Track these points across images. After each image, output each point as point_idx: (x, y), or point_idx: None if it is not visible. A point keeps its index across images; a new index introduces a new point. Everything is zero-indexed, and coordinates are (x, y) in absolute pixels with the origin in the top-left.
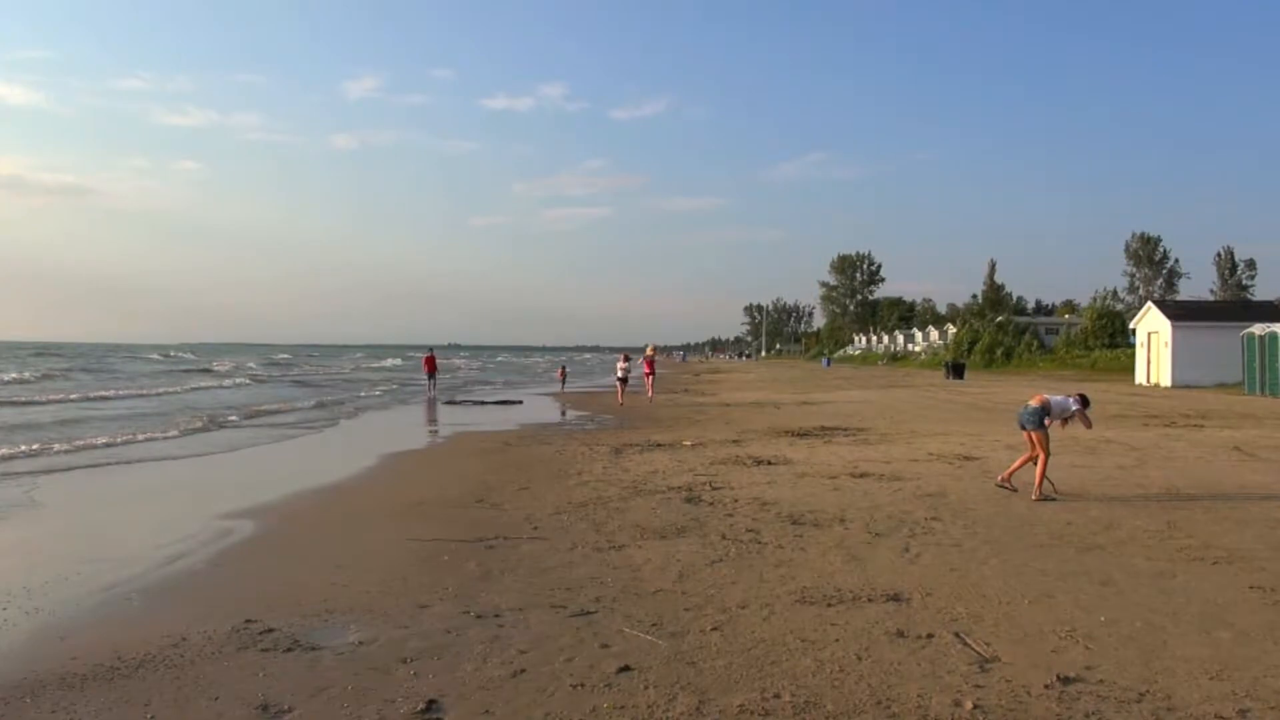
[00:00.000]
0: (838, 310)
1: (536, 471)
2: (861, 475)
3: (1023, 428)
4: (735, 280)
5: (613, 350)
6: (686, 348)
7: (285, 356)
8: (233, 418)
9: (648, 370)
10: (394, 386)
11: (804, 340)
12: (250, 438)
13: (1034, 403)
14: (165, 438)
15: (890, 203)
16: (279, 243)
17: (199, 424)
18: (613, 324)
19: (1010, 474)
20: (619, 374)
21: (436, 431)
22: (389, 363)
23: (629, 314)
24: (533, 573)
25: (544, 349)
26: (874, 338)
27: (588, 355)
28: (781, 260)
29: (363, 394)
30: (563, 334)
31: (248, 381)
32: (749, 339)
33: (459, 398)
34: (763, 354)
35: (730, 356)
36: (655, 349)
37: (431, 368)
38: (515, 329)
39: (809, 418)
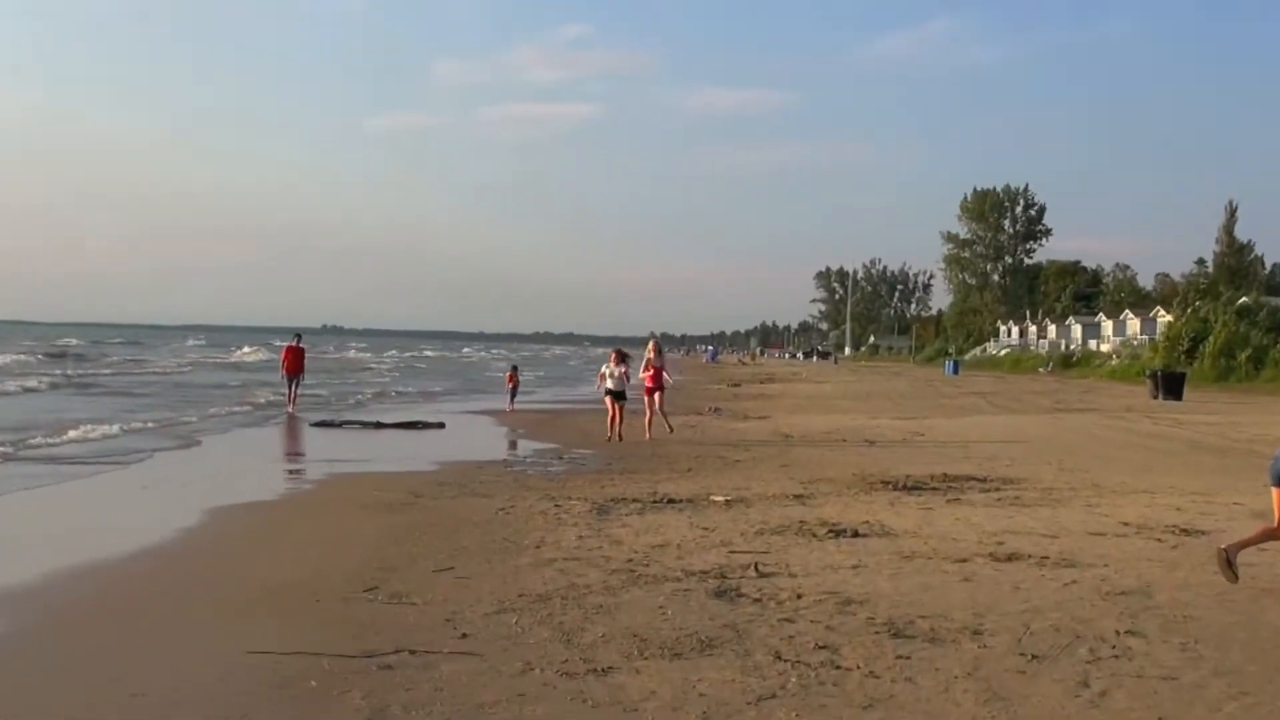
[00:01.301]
0: (972, 281)
1: (466, 541)
2: (1009, 557)
3: (1277, 483)
4: (800, 231)
5: (598, 344)
6: (718, 341)
7: (74, 344)
8: None
9: (649, 380)
10: (249, 397)
11: (915, 330)
12: (3, 479)
13: None
14: None
15: (1058, 104)
16: (51, 152)
17: None
18: (599, 302)
19: (1240, 548)
20: (609, 384)
21: (303, 473)
22: (242, 354)
23: (626, 287)
24: (458, 714)
25: (488, 339)
26: (1032, 327)
27: (558, 350)
28: (877, 198)
29: (199, 410)
30: (520, 316)
31: (15, 389)
32: (822, 326)
33: (341, 417)
34: (847, 351)
35: (791, 355)
36: (658, 344)
37: (294, 366)
38: (441, 307)
39: (922, 459)
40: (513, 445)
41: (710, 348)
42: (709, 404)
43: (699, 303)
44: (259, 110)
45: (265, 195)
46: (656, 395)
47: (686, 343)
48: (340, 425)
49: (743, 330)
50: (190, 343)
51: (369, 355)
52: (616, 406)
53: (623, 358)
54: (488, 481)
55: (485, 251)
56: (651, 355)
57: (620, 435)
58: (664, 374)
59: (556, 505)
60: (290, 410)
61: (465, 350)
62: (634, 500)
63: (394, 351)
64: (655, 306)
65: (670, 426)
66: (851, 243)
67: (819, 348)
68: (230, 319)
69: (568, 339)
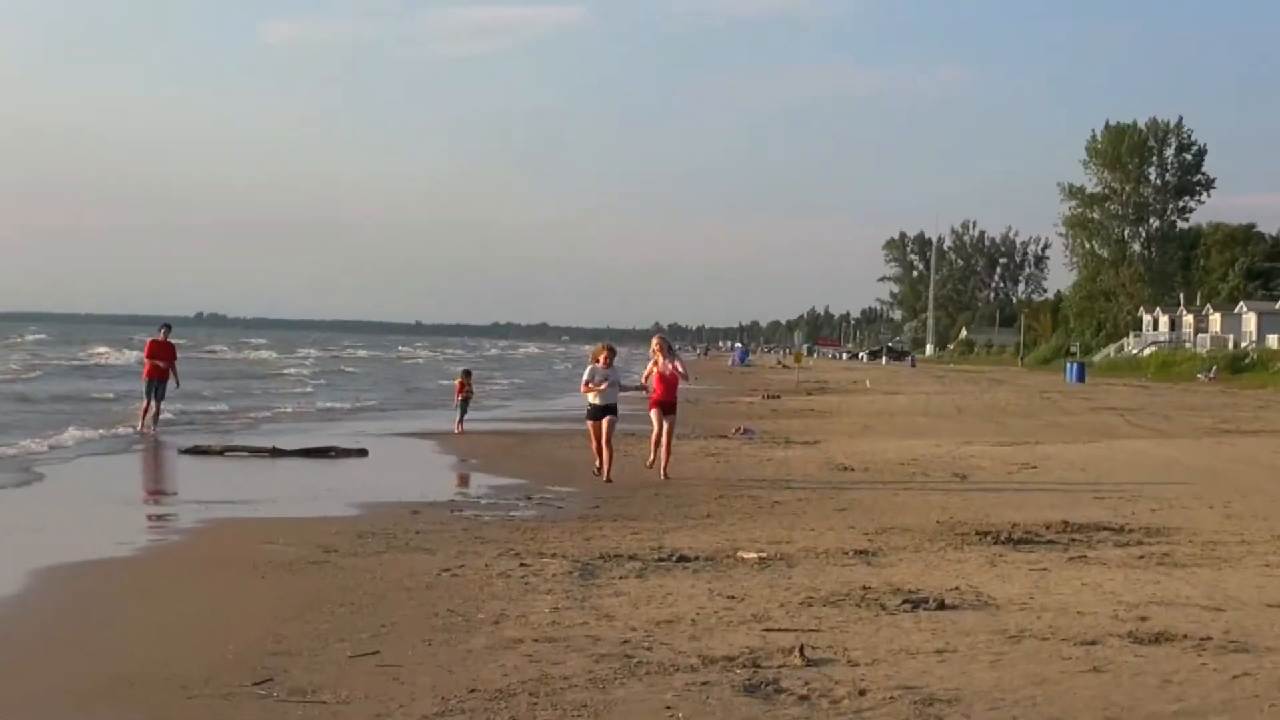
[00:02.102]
0: (1103, 253)
1: (397, 614)
2: (1155, 639)
3: None
4: (862, 183)
5: (581, 338)
6: (749, 336)
7: None
8: None
9: (657, 389)
10: (115, 414)
11: (1024, 321)
12: None
13: None
14: None
15: (1224, 12)
16: None
17: None
18: (583, 284)
19: None
20: (595, 397)
21: (171, 518)
22: (99, 354)
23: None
24: None
25: (429, 332)
26: (1187, 317)
27: (533, 349)
28: (969, 138)
29: (42, 429)
30: (476, 303)
31: None
32: (894, 315)
33: (224, 441)
34: (929, 350)
35: (850, 355)
36: (665, 340)
37: (160, 370)
38: (364, 291)
39: (1034, 501)
40: (463, 480)
41: (738, 346)
42: (736, 423)
43: (721, 284)
44: (103, 20)
45: (122, 143)
46: (668, 420)
47: (705, 338)
48: (221, 452)
49: (783, 321)
50: (31, 337)
51: (276, 355)
52: (605, 426)
53: (613, 356)
54: (428, 531)
55: (429, 211)
56: (659, 356)
57: (608, 474)
58: (682, 374)
59: (524, 564)
60: (143, 429)
61: (402, 349)
62: (631, 558)
63: (311, 351)
64: (660, 288)
65: (666, 472)
66: (935, 199)
67: (890, 345)
68: (78, 306)
69: (540, 332)
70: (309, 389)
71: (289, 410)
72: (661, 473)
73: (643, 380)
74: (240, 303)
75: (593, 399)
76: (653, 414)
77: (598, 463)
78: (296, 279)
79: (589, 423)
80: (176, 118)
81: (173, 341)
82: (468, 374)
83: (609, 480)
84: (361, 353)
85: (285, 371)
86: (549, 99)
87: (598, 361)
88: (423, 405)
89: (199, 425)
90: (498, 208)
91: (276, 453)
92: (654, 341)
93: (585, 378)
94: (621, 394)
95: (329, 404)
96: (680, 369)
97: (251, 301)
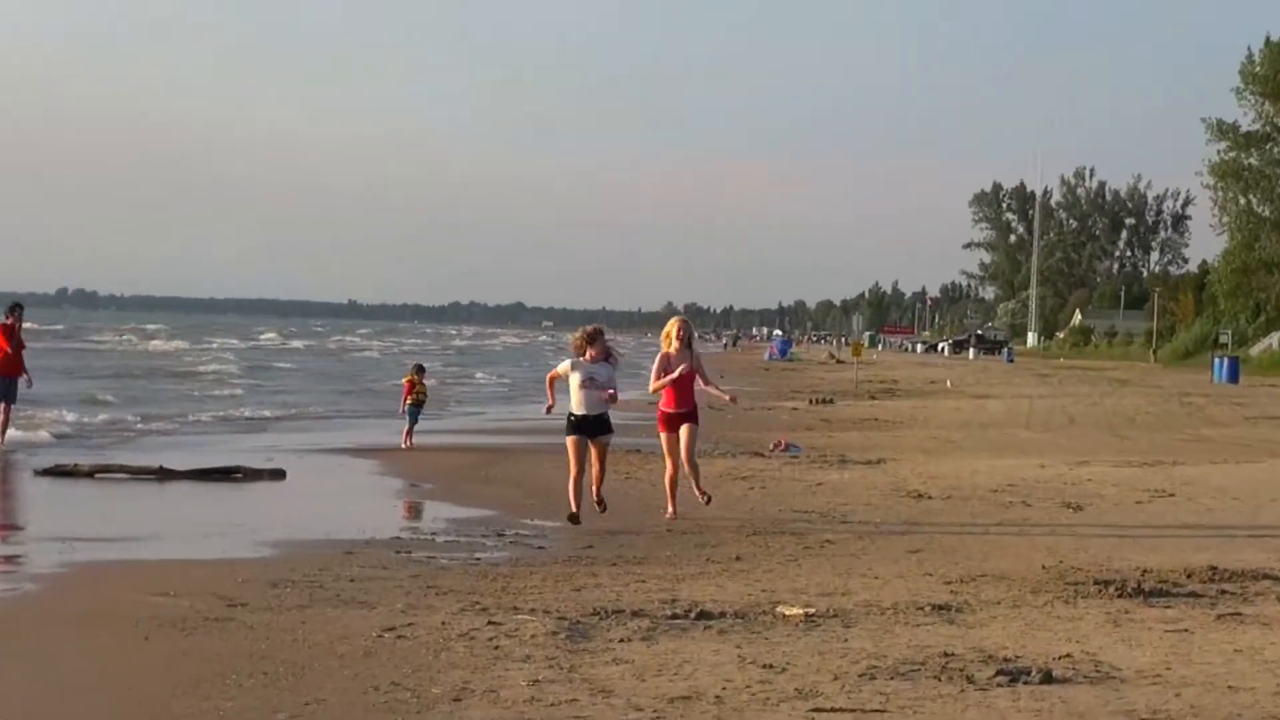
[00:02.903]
0: (1264, 211)
1: (324, 688)
2: None
3: None
4: (936, 114)
5: (568, 320)
6: (791, 320)
7: None
8: None
9: (670, 399)
10: None
11: (1157, 301)
12: None
13: None
14: None
15: None
16: None
17: None
18: (570, 249)
19: None
20: (574, 403)
21: (22, 560)
22: None
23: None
24: None
25: (368, 315)
26: None
27: (509, 338)
28: (1084, 62)
29: None
30: (430, 280)
31: None
32: (985, 293)
33: (102, 462)
34: (1031, 339)
35: (926, 346)
36: (687, 326)
37: (12, 364)
38: (277, 261)
39: (1172, 541)
40: (412, 511)
41: (778, 334)
42: (775, 437)
43: (755, 252)
44: None
45: None
46: (686, 428)
47: (734, 323)
48: (91, 474)
49: (838, 302)
50: None
51: (186, 345)
52: (592, 450)
53: (596, 342)
54: (366, 579)
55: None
56: (675, 344)
57: (600, 500)
58: (704, 379)
59: (493, 623)
60: None
61: (346, 339)
62: (636, 614)
63: (230, 340)
64: (673, 257)
65: (702, 490)
66: (1040, 139)
67: (980, 332)
68: None
69: (514, 315)
70: (236, 390)
71: (205, 419)
72: (669, 508)
73: (652, 380)
74: (116, 278)
75: (573, 407)
76: (662, 439)
77: (574, 506)
78: (191, 248)
79: (569, 440)
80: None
81: (19, 324)
82: (419, 370)
83: (601, 506)
84: (295, 344)
85: (203, 369)
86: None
87: (582, 352)
88: (374, 412)
89: (98, 439)
90: (451, 156)
91: (164, 474)
92: (671, 325)
93: (558, 368)
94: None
95: (266, 411)
96: (705, 379)
97: (131, 277)
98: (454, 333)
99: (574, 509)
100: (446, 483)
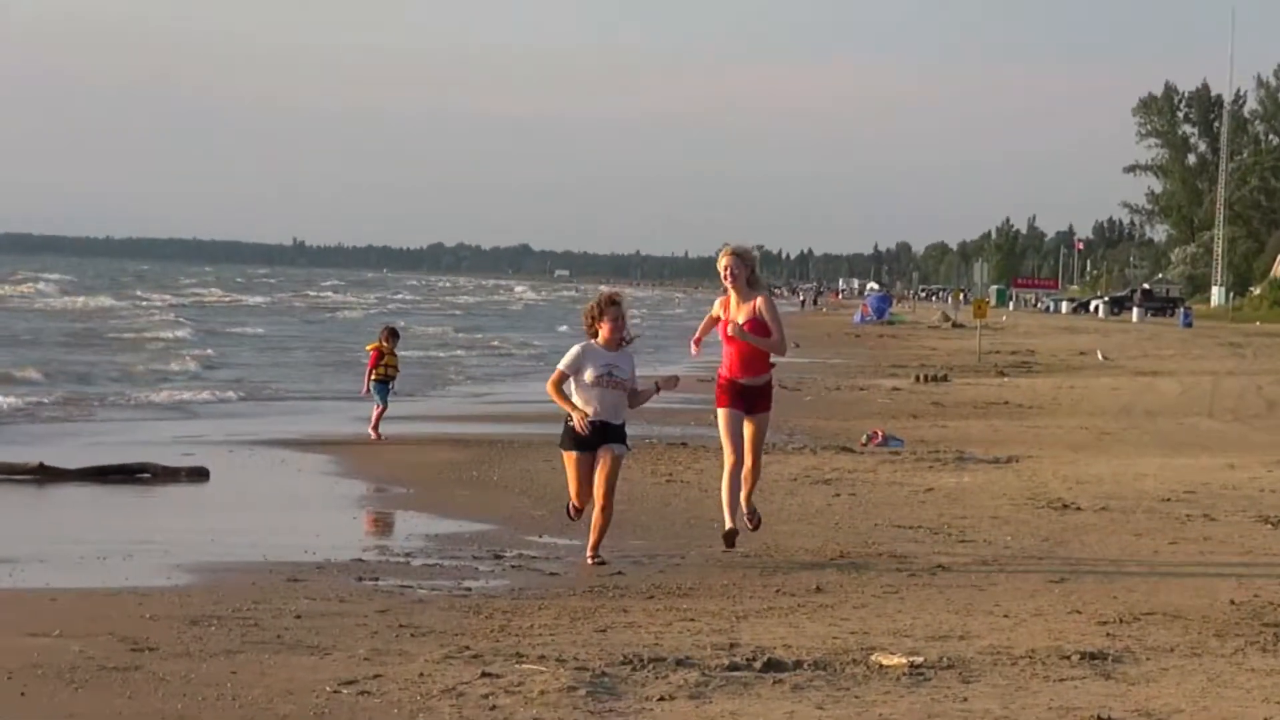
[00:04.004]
0: None
1: None
2: None
3: None
4: None
5: (584, 271)
6: (890, 270)
7: None
8: None
9: (736, 362)
10: None
11: None
12: None
13: None
14: None
15: None
16: None
17: None
18: (590, 177)
19: None
20: (583, 399)
21: None
22: None
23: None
24: None
25: (317, 257)
26: None
27: (526, 293)
28: None
29: None
30: (399, 215)
31: None
32: (1152, 234)
33: None
34: (1215, 295)
35: (1073, 305)
36: (743, 260)
37: None
38: (212, 185)
39: None
40: (380, 525)
41: (874, 289)
42: (869, 427)
43: (841, 181)
44: None
45: None
46: (754, 420)
47: (815, 274)
48: None
49: (953, 245)
50: None
51: (113, 303)
52: (599, 465)
53: (620, 325)
54: (317, 615)
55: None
56: (733, 291)
57: (593, 546)
58: (776, 341)
59: (489, 675)
60: None
61: (315, 294)
62: (682, 663)
63: (166, 298)
64: (730, 190)
65: (751, 506)
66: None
67: (1146, 286)
68: None
69: (517, 259)
70: (189, 365)
71: (160, 399)
72: (726, 519)
73: (694, 340)
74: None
75: (585, 405)
76: (721, 417)
77: (575, 503)
78: (77, 176)
79: (568, 456)
80: None
81: None
82: (392, 335)
83: (594, 559)
84: (251, 300)
85: (150, 336)
86: None
87: (593, 333)
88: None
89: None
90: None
91: (46, 474)
92: (722, 260)
93: (563, 365)
94: (636, 404)
95: (232, 393)
96: (765, 316)
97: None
98: (446, 284)
99: (573, 507)
100: (427, 486)
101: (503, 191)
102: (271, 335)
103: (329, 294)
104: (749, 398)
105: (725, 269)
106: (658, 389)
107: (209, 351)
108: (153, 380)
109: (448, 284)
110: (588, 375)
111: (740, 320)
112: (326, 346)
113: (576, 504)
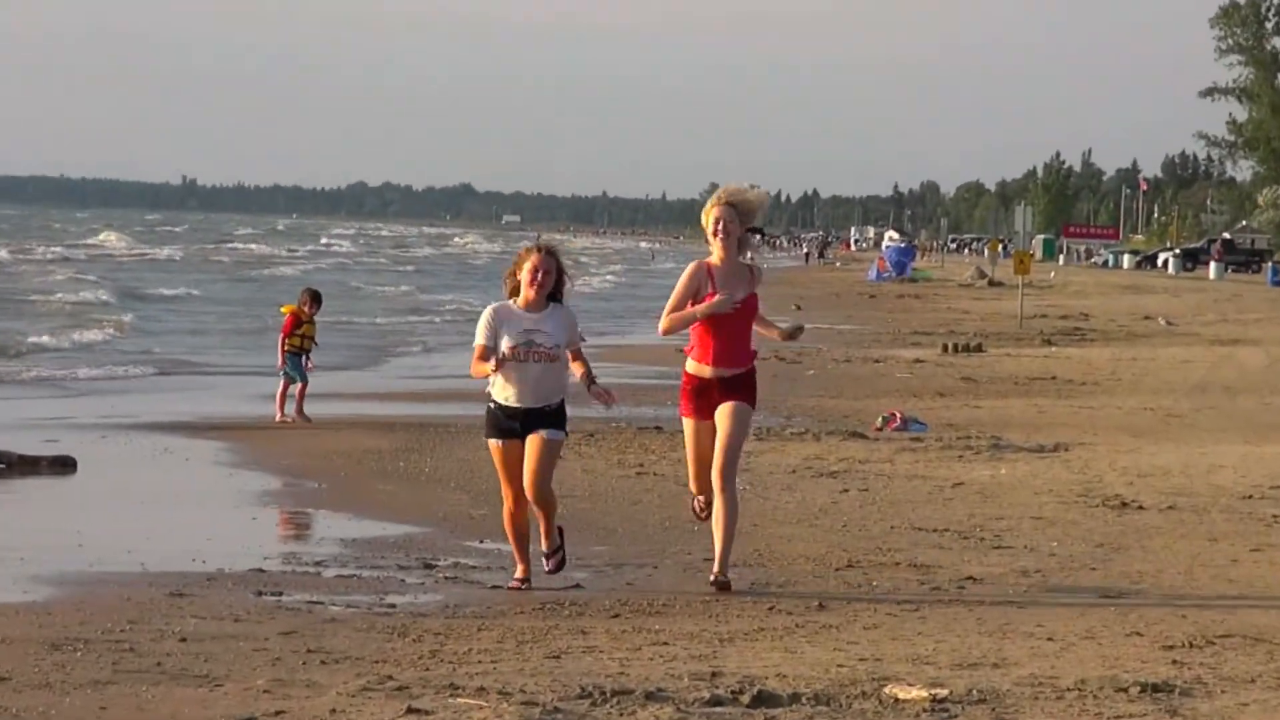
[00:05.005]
0: None
1: None
2: None
3: None
4: None
5: (536, 215)
6: (913, 217)
7: None
8: None
9: (702, 347)
10: None
11: None
12: None
13: None
14: None
15: None
16: None
17: None
18: (549, 104)
19: None
20: (502, 385)
21: None
22: None
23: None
24: None
25: (212, 198)
26: None
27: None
28: None
29: None
30: (306, 148)
31: None
32: (1234, 170)
33: None
34: None
35: (1138, 257)
36: (728, 207)
37: None
38: (80, 114)
39: None
40: (285, 526)
41: (893, 238)
42: (885, 407)
43: (850, 110)
44: None
45: None
46: (730, 409)
47: (821, 219)
48: None
49: (990, 185)
50: None
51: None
52: (528, 452)
53: (554, 278)
54: (206, 637)
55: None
56: (723, 252)
57: (554, 550)
58: (762, 320)
59: (415, 711)
60: None
61: (230, 245)
62: (652, 696)
63: (56, 249)
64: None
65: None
66: None
67: (1226, 236)
68: None
69: (456, 202)
70: (109, 331)
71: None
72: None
73: (666, 312)
74: None
75: (497, 390)
76: (688, 431)
77: (521, 566)
78: None
79: (493, 445)
80: None
81: None
82: (314, 298)
83: (551, 557)
84: (165, 251)
85: (62, 298)
86: None
87: (514, 291)
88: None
89: None
90: None
91: None
92: (712, 210)
93: (480, 338)
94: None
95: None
96: (763, 318)
97: None
98: (387, 233)
99: (521, 570)
100: (343, 480)
101: (438, 120)
102: (203, 298)
103: (251, 245)
104: (727, 390)
105: (716, 222)
106: (591, 390)
107: (127, 318)
108: (74, 353)
109: (388, 233)
110: (503, 347)
111: (739, 296)
112: (270, 311)
113: (512, 545)
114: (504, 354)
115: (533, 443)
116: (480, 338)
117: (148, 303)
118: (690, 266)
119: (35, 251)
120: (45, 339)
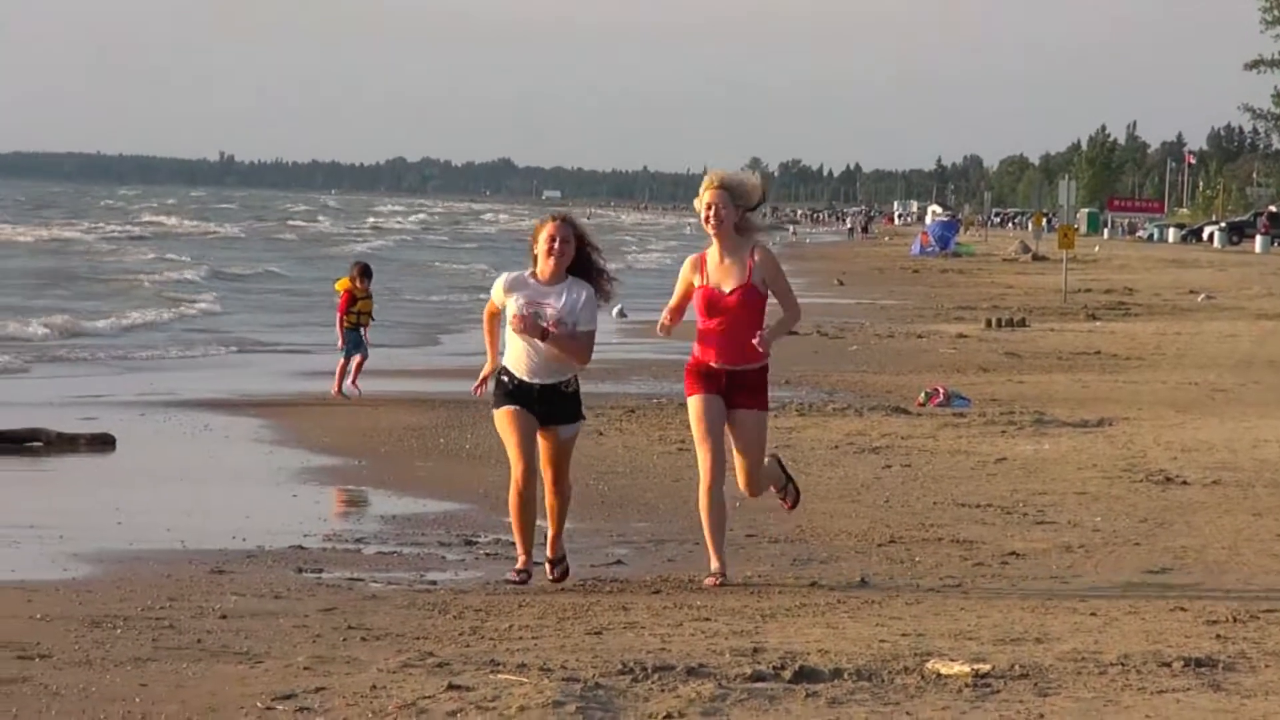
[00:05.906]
0: None
1: None
2: None
3: None
4: None
5: (579, 190)
6: (955, 192)
7: None
8: None
9: (704, 344)
10: None
11: None
12: None
13: None
14: None
15: None
16: None
17: None
18: (590, 79)
19: None
20: (515, 357)
21: None
22: None
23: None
24: None
25: (249, 175)
26: None
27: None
28: None
29: None
30: (359, 132)
31: None
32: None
33: None
34: None
35: (1184, 231)
36: (725, 193)
37: None
38: (110, 91)
39: None
40: (325, 503)
41: (937, 212)
42: (928, 382)
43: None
44: None
45: None
46: (741, 421)
47: (864, 193)
48: None
49: (1033, 159)
50: None
51: (79, 234)
52: (541, 448)
53: (557, 241)
54: (246, 615)
55: None
56: (717, 241)
57: (557, 560)
58: (790, 302)
59: (456, 687)
60: None
61: (314, 224)
62: (694, 672)
63: (125, 227)
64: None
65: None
66: None
67: (1274, 209)
68: None
69: (496, 177)
70: (201, 305)
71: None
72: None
73: (667, 312)
74: None
75: (509, 358)
76: (693, 406)
77: (523, 553)
78: None
79: (503, 413)
80: None
81: None
82: (365, 272)
83: (554, 567)
84: (230, 228)
85: (153, 277)
86: None
87: (543, 251)
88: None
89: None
90: None
91: None
92: (704, 195)
93: (492, 294)
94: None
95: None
96: (764, 277)
97: None
98: (438, 209)
99: (522, 561)
100: (385, 457)
101: (479, 96)
102: (292, 276)
103: (311, 222)
104: (732, 388)
105: (708, 208)
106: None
107: (219, 294)
108: (175, 329)
109: (442, 209)
110: (509, 314)
111: (727, 288)
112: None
113: (517, 536)
114: (512, 321)
115: (550, 439)
116: (493, 294)
117: (229, 280)
118: (688, 261)
119: (108, 229)
120: (135, 317)
